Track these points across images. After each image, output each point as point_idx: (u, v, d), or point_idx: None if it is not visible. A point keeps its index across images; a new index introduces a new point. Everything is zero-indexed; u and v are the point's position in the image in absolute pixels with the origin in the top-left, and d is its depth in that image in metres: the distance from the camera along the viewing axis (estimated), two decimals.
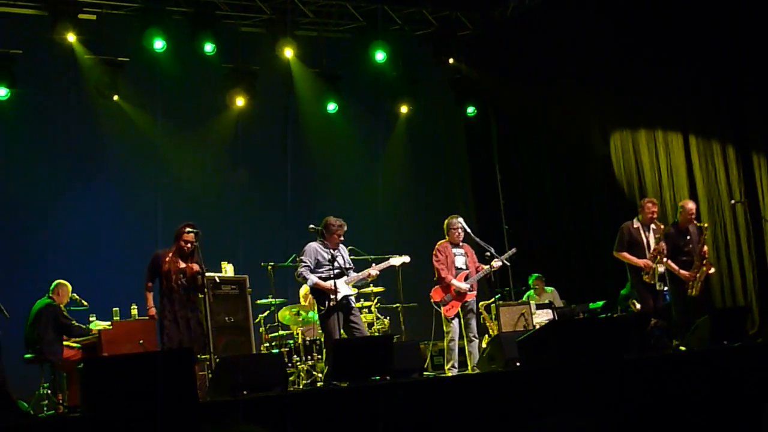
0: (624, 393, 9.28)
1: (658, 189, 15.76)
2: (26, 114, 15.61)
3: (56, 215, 15.63)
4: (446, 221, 13.31)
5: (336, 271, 12.01)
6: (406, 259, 12.66)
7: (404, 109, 18.53)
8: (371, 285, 14.07)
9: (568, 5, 17.22)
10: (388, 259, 12.77)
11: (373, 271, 12.40)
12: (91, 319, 13.59)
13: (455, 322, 12.92)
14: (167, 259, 11.61)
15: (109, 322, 13.28)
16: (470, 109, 18.89)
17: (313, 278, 12.01)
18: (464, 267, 13.08)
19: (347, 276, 12.20)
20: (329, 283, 11.92)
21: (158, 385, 7.64)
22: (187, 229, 11.65)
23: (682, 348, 11.62)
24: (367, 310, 14.51)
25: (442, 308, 12.93)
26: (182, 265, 11.61)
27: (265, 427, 7.66)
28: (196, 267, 11.63)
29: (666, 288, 13.06)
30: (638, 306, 13.54)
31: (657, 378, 9.69)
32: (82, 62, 15.74)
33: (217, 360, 11.06)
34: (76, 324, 13.25)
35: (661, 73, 15.88)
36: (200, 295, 11.78)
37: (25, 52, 15.25)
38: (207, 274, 11.93)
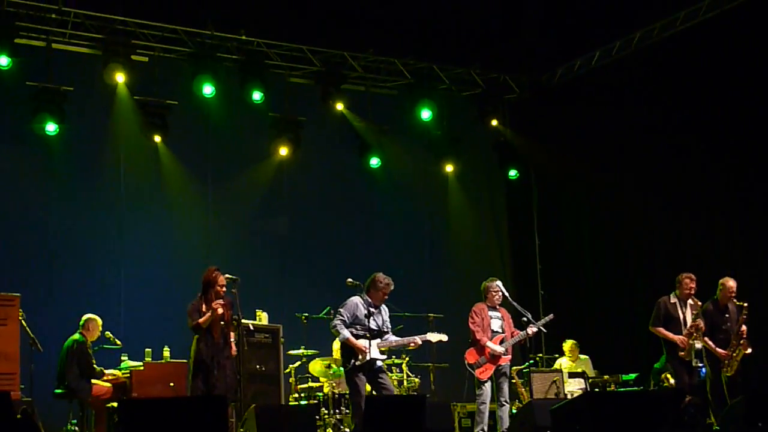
0: None
1: (698, 263, 15.62)
2: (73, 150, 15.75)
3: (95, 252, 15.71)
4: (484, 283, 13.23)
5: (371, 330, 11.83)
6: (444, 337, 12.46)
7: (449, 168, 18.55)
8: None
9: (615, 75, 17.27)
10: (426, 330, 12.62)
11: (415, 341, 12.16)
12: (123, 358, 13.62)
13: (488, 385, 12.80)
14: (202, 310, 11.52)
15: (141, 363, 13.29)
16: (512, 173, 18.88)
17: (345, 333, 11.79)
18: (500, 330, 12.98)
19: (381, 339, 12.00)
20: (361, 342, 11.74)
21: (192, 430, 7.62)
22: (219, 276, 11.58)
23: (716, 428, 11.48)
24: (398, 368, 14.45)
25: (475, 370, 12.82)
26: (220, 311, 11.55)
27: None
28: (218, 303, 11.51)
29: (701, 365, 12.93)
30: (672, 381, 13.42)
31: None
32: (131, 103, 15.89)
33: (250, 407, 11.01)
34: (96, 366, 13.22)
35: (708, 146, 15.79)
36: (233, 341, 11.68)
37: (76, 89, 15.43)
38: (242, 321, 11.88)
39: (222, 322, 11.51)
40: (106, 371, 13.48)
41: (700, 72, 15.87)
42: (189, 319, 11.51)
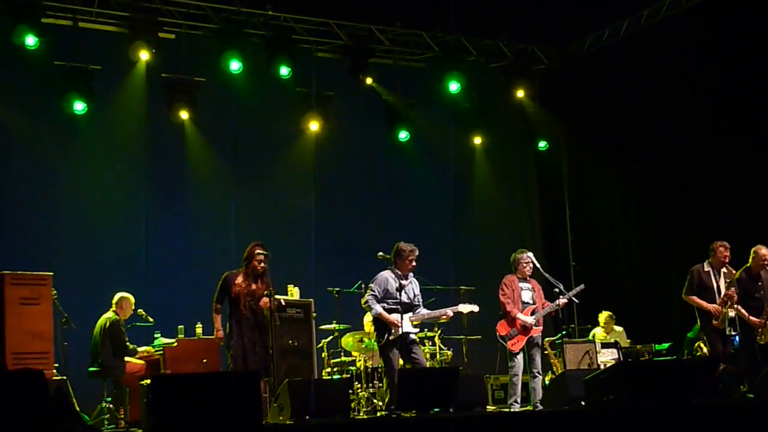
0: None
1: (731, 231, 15.49)
2: (101, 129, 15.81)
3: (126, 230, 15.76)
4: (515, 255, 13.16)
5: (402, 303, 11.83)
6: (475, 308, 12.44)
7: (478, 140, 18.50)
8: None
9: (644, 44, 17.14)
10: (458, 301, 12.55)
11: (447, 314, 12.16)
12: (155, 335, 13.70)
13: (519, 356, 12.77)
14: (237, 281, 11.56)
15: (174, 340, 13.35)
16: (542, 144, 18.80)
17: (377, 308, 11.83)
18: (531, 302, 12.93)
19: (413, 313, 12.00)
20: (393, 317, 11.76)
21: (225, 406, 7.64)
22: (257, 251, 11.63)
23: (750, 395, 11.42)
24: (430, 341, 14.46)
25: (507, 342, 12.79)
26: (253, 287, 11.57)
27: None
28: (265, 300, 11.57)
29: (735, 333, 12.87)
30: (705, 349, 13.36)
31: (724, 424, 9.53)
32: (159, 80, 15.90)
33: (283, 382, 11.02)
34: (129, 344, 13.31)
35: (742, 113, 15.63)
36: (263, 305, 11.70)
37: (103, 68, 15.46)
38: (273, 296, 11.88)
39: (251, 300, 11.53)
40: (139, 349, 13.57)
41: (731, 39, 15.68)
42: (216, 292, 11.65)
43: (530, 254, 13.14)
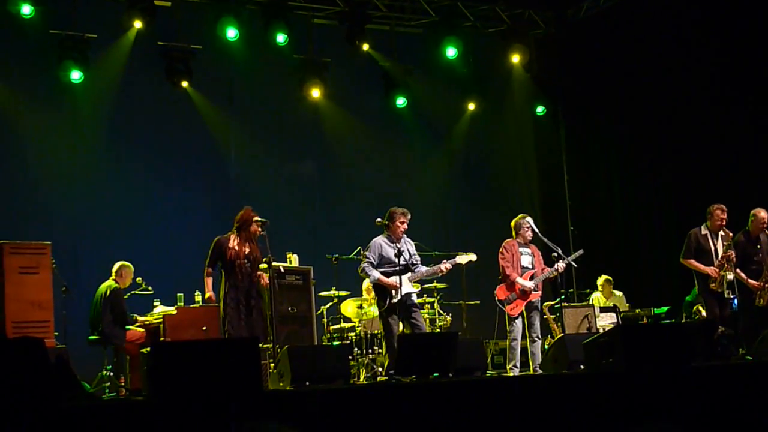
0: (690, 401, 9.16)
1: (729, 194, 15.47)
2: (98, 97, 15.80)
3: (124, 198, 15.76)
4: (515, 220, 13.17)
5: (400, 267, 11.90)
6: (473, 257, 12.48)
7: (471, 106, 18.46)
8: (434, 281, 14.04)
9: (641, 7, 17.07)
10: (455, 256, 12.56)
11: (444, 266, 12.13)
12: (155, 304, 13.72)
13: (518, 321, 12.80)
14: (230, 245, 11.53)
15: (174, 308, 13.36)
16: (539, 109, 18.80)
17: (375, 274, 11.88)
18: (530, 266, 12.95)
19: (412, 272, 12.05)
20: (392, 280, 11.81)
21: (225, 372, 7.65)
22: (255, 217, 11.62)
23: (749, 357, 11.45)
24: (429, 306, 14.49)
25: (506, 306, 12.82)
26: (247, 250, 11.55)
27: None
28: (265, 279, 11.60)
29: (734, 296, 12.89)
30: (704, 313, 13.40)
31: (724, 387, 9.56)
32: (155, 48, 15.85)
33: (282, 349, 11.05)
34: (128, 313, 13.37)
35: (739, 79, 15.60)
36: (263, 284, 11.71)
37: (99, 36, 15.44)
38: (272, 264, 11.88)
39: (248, 263, 11.53)
40: (139, 317, 13.59)
41: (730, 3, 15.63)
42: (208, 256, 11.61)
43: (530, 219, 13.15)
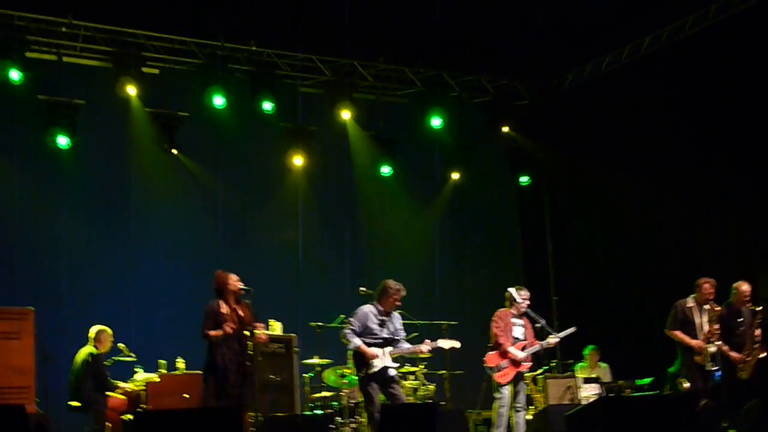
0: None
1: (712, 267, 15.54)
2: (86, 164, 15.82)
3: (107, 265, 15.76)
4: (512, 291, 13.17)
5: (382, 339, 11.79)
6: (456, 344, 12.32)
7: (456, 175, 18.56)
8: None
9: (625, 79, 17.26)
10: (437, 339, 12.48)
11: (425, 347, 11.99)
12: (135, 370, 13.61)
13: (506, 389, 12.74)
14: (222, 310, 11.32)
15: (157, 374, 13.28)
16: (524, 179, 18.88)
17: (356, 341, 11.73)
18: (521, 338, 12.97)
19: (393, 347, 11.91)
20: (372, 351, 11.70)
21: None
22: (224, 274, 11.50)
23: (732, 430, 11.44)
24: (413, 377, 14.43)
25: (495, 374, 12.79)
26: (240, 313, 11.42)
27: None
28: (262, 332, 11.53)
29: (716, 368, 12.89)
30: (687, 385, 13.39)
31: None
32: (143, 115, 15.93)
33: (261, 418, 11.00)
34: (109, 379, 13.25)
35: (721, 148, 15.72)
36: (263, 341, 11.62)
37: (88, 102, 15.50)
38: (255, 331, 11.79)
39: (241, 326, 11.40)
40: (121, 384, 13.49)
41: (710, 75, 15.79)
42: (203, 322, 11.31)
43: (526, 292, 13.21)
